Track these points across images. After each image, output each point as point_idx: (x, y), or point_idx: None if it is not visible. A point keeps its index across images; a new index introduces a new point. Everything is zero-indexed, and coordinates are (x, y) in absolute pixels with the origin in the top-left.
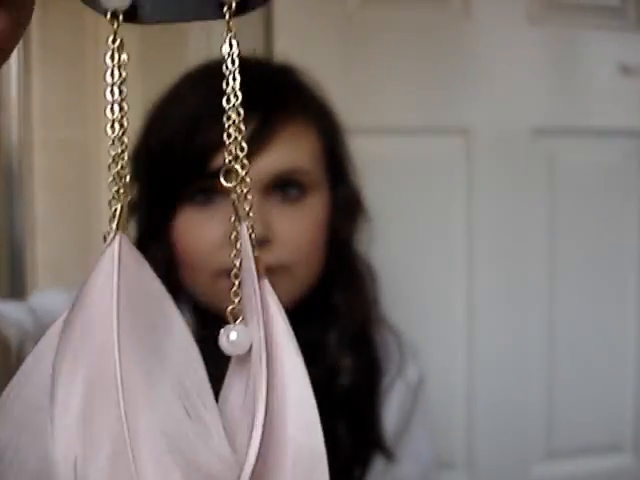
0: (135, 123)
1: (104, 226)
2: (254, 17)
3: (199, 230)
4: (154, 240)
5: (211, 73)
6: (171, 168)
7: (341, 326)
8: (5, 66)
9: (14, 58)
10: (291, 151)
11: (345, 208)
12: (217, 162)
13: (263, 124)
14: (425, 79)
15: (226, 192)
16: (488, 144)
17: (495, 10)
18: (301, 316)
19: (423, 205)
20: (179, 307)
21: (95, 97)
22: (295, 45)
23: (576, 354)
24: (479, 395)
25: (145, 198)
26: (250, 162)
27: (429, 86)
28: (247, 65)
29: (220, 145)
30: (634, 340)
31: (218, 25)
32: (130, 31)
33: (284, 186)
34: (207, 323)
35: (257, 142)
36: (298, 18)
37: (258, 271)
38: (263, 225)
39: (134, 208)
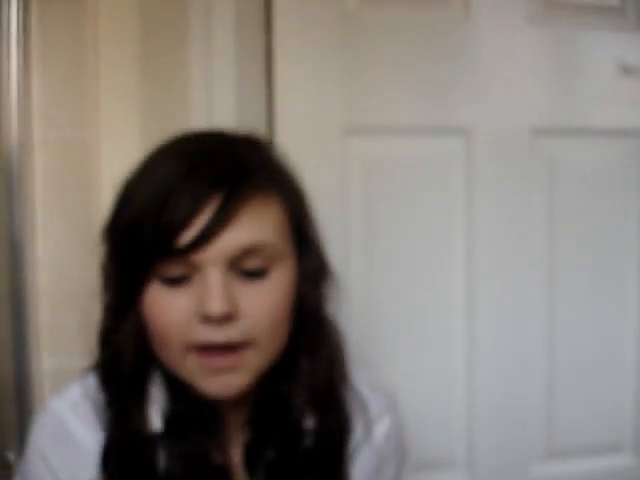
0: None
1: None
2: (254, 18)
3: (169, 307)
4: (125, 314)
5: (180, 148)
6: (140, 246)
7: (303, 389)
8: (5, 66)
9: (14, 58)
10: (255, 226)
11: (312, 277)
12: (184, 239)
13: (228, 200)
14: (425, 79)
15: (195, 268)
16: (488, 144)
17: (495, 10)
18: (270, 376)
19: (423, 205)
20: (152, 380)
21: (95, 97)
22: (295, 45)
23: (576, 354)
24: (479, 395)
25: (116, 272)
26: (216, 238)
27: (429, 86)
28: (212, 139)
29: (186, 222)
30: (634, 340)
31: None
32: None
33: (249, 262)
34: (179, 397)
35: (221, 219)
36: (298, 19)
37: None
38: (228, 302)
39: (107, 280)
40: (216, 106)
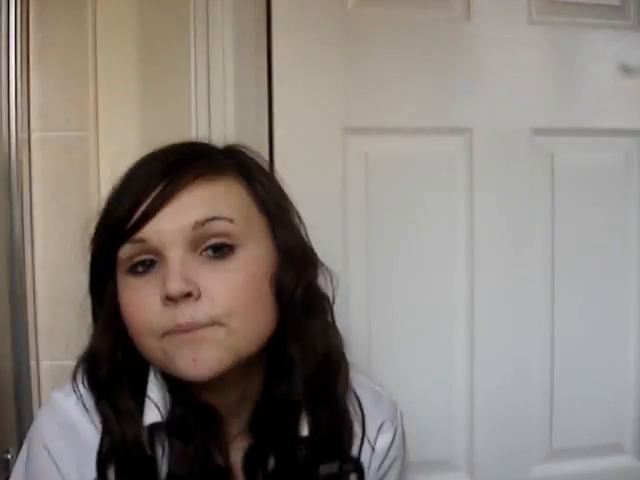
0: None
1: None
2: (254, 17)
3: (137, 297)
4: (100, 311)
5: (146, 155)
6: (101, 237)
7: (294, 383)
8: (4, 65)
9: (12, 57)
10: (208, 201)
11: (290, 260)
12: (131, 222)
13: (173, 180)
14: (425, 79)
15: (157, 255)
16: (488, 144)
17: (495, 10)
18: (272, 379)
19: (423, 205)
20: (151, 382)
21: (94, 97)
22: (295, 45)
23: (576, 354)
24: (479, 395)
25: (90, 272)
26: (159, 213)
27: (429, 86)
28: (178, 145)
29: (133, 206)
30: (635, 340)
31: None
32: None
33: (213, 243)
34: (178, 399)
35: (165, 195)
36: (297, 19)
37: None
38: (184, 280)
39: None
40: (216, 106)
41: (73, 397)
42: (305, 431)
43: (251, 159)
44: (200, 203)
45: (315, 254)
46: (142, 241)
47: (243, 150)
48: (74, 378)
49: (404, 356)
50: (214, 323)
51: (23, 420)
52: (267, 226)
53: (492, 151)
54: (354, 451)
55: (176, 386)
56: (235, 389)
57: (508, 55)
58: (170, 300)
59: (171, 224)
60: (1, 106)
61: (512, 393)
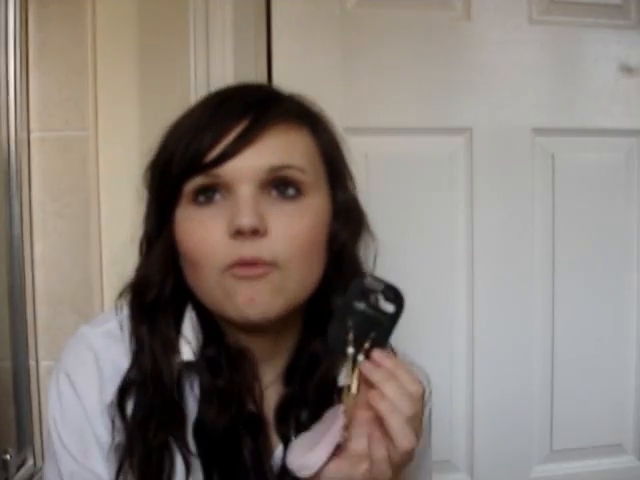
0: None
1: (102, 225)
2: (253, 16)
3: (200, 228)
4: (156, 238)
5: (216, 92)
6: (172, 170)
7: None
8: (3, 65)
9: (12, 57)
10: (284, 148)
11: (343, 215)
12: (211, 156)
13: (255, 121)
14: (425, 79)
15: (226, 188)
16: (488, 144)
17: (496, 10)
18: (309, 332)
19: (424, 204)
20: (186, 320)
21: (93, 96)
22: (295, 45)
23: (577, 354)
24: (479, 395)
25: (152, 202)
26: (240, 153)
27: (429, 86)
28: (246, 85)
29: (213, 142)
30: (635, 340)
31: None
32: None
33: (281, 184)
34: (212, 339)
35: (247, 136)
36: (297, 18)
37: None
38: (256, 216)
39: (144, 217)
40: None
41: (99, 329)
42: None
43: (317, 111)
44: (277, 148)
45: (364, 213)
46: (216, 176)
47: (309, 101)
48: (119, 311)
49: (403, 356)
50: (274, 264)
51: (23, 420)
52: (327, 178)
53: (492, 151)
54: None
55: (210, 327)
56: (271, 336)
57: (508, 55)
58: (239, 234)
59: (249, 164)
60: (1, 106)
61: (512, 393)
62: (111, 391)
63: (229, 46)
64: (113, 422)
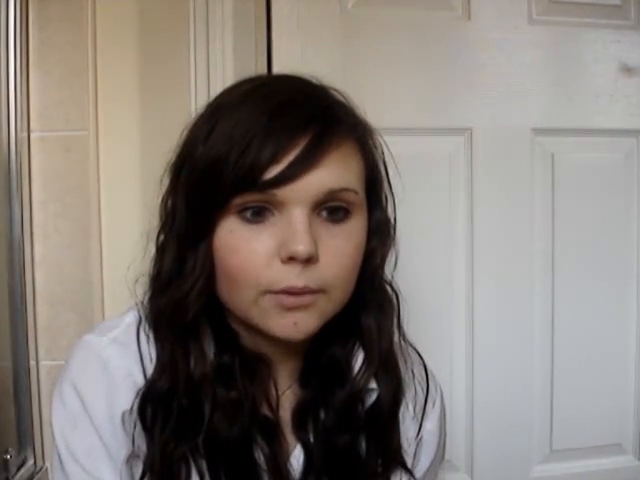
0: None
1: (103, 226)
2: (253, 16)
3: (247, 245)
4: (193, 251)
5: (260, 88)
6: (221, 178)
7: (370, 350)
8: (3, 65)
9: (12, 57)
10: (342, 170)
11: (380, 232)
12: (271, 173)
13: (317, 140)
14: (425, 79)
15: (277, 207)
16: (488, 144)
17: (495, 10)
18: (324, 335)
19: (424, 204)
20: (202, 327)
21: (93, 96)
22: (295, 45)
23: (577, 354)
24: (479, 395)
25: (186, 208)
26: (303, 176)
27: (429, 86)
28: (293, 82)
29: (275, 157)
30: (635, 340)
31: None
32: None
33: (332, 205)
34: (227, 346)
35: (311, 157)
36: (297, 18)
37: None
38: (312, 243)
39: (169, 217)
40: None
41: (108, 336)
42: (371, 387)
43: (365, 122)
44: (336, 170)
45: (394, 227)
46: (272, 194)
47: (355, 108)
48: (123, 318)
49: None
50: (321, 291)
51: (23, 420)
52: (368, 196)
53: (492, 151)
54: (427, 408)
55: (225, 333)
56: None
57: (508, 55)
58: (292, 259)
59: (308, 187)
60: (1, 106)
61: (512, 393)
62: (123, 399)
63: (229, 46)
64: (126, 430)
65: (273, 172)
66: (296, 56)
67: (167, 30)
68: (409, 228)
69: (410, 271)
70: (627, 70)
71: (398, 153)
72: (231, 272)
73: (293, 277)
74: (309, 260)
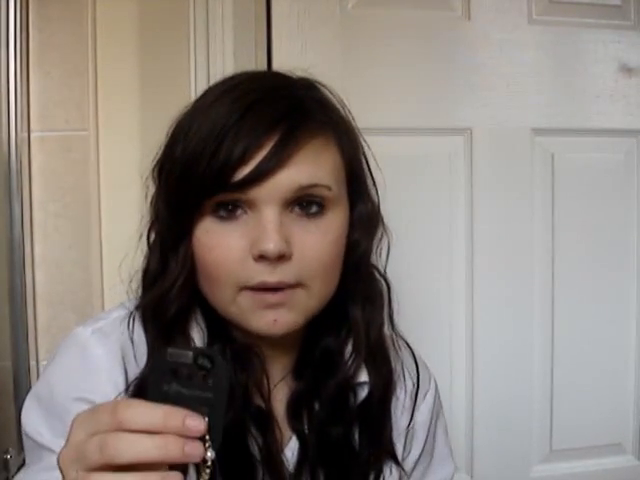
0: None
1: (103, 226)
2: (253, 16)
3: (221, 243)
4: (173, 251)
5: (236, 86)
6: (194, 180)
7: (357, 340)
8: (3, 65)
9: (12, 57)
10: (313, 166)
11: (364, 225)
12: (240, 174)
13: (286, 138)
14: (425, 79)
15: (249, 205)
16: (488, 144)
17: (495, 10)
18: (317, 327)
19: (424, 204)
20: (192, 320)
21: (93, 96)
22: (295, 45)
23: (577, 354)
24: (479, 396)
25: (166, 209)
26: (272, 175)
27: (429, 86)
28: (267, 78)
29: (244, 158)
30: (635, 340)
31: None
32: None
33: (305, 201)
34: (218, 338)
35: (279, 156)
36: (297, 17)
37: None
38: (283, 241)
39: (154, 219)
40: None
41: (94, 327)
42: (362, 379)
43: (343, 116)
44: (307, 167)
45: (381, 216)
46: (242, 193)
47: (334, 101)
48: (112, 313)
49: None
50: (298, 285)
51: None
52: (349, 190)
53: (492, 151)
54: (418, 399)
55: (216, 324)
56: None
57: (508, 55)
58: (263, 258)
59: (278, 185)
60: (1, 106)
61: (512, 393)
62: (96, 389)
63: (229, 45)
64: None
65: (242, 173)
66: (296, 56)
67: (167, 30)
68: (409, 228)
69: (410, 271)
70: (627, 70)
71: (398, 153)
72: (208, 269)
73: (266, 274)
74: (281, 257)
